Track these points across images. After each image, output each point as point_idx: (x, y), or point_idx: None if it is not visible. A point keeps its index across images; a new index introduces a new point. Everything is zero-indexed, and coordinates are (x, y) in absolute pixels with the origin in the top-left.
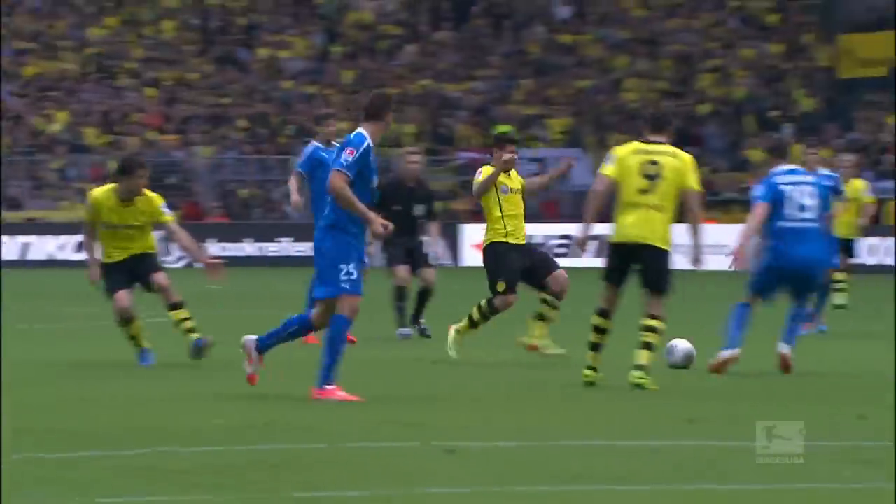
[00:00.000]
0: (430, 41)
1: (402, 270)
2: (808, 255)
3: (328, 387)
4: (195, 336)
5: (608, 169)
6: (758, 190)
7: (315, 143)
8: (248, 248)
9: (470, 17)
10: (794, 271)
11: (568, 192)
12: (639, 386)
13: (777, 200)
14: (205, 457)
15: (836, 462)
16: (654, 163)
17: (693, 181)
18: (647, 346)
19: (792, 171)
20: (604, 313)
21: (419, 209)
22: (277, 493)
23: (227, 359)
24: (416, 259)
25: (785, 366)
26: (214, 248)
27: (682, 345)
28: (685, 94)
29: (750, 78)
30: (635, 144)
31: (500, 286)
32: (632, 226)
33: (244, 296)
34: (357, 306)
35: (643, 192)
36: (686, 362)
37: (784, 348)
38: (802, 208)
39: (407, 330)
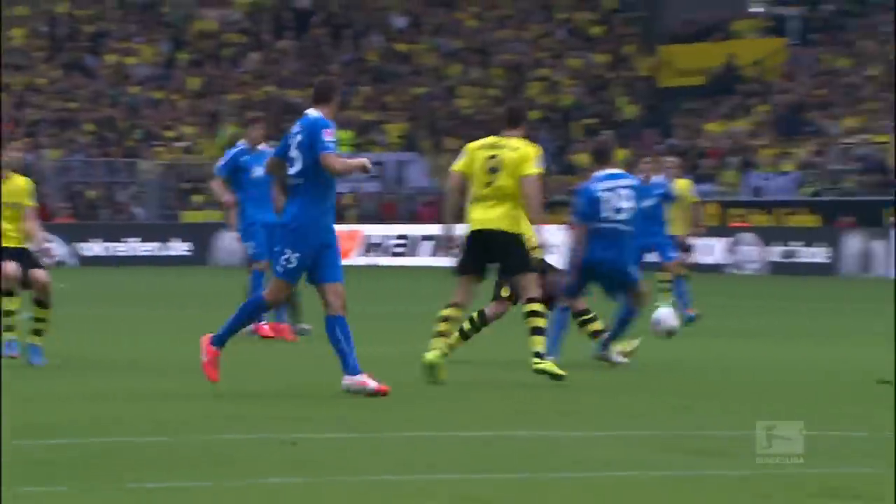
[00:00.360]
0: (273, 49)
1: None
2: (618, 256)
3: (214, 347)
4: (36, 342)
5: (457, 164)
6: (577, 206)
7: (242, 146)
8: (95, 247)
9: (310, 27)
10: (603, 271)
11: (404, 195)
12: (543, 372)
13: (594, 206)
14: (42, 450)
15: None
16: (494, 157)
17: (529, 168)
18: (538, 330)
19: (611, 176)
20: (455, 305)
21: None
22: (113, 483)
23: (78, 357)
24: None
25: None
26: (63, 249)
27: (665, 318)
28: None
29: (577, 86)
30: (486, 140)
31: (505, 291)
32: (479, 215)
33: (92, 295)
34: (281, 294)
35: (486, 185)
36: (666, 334)
37: (600, 351)
38: (618, 211)
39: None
